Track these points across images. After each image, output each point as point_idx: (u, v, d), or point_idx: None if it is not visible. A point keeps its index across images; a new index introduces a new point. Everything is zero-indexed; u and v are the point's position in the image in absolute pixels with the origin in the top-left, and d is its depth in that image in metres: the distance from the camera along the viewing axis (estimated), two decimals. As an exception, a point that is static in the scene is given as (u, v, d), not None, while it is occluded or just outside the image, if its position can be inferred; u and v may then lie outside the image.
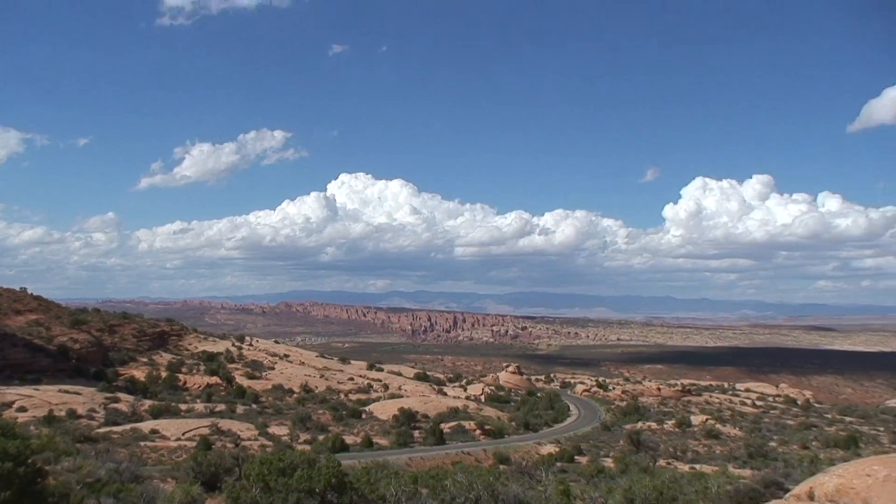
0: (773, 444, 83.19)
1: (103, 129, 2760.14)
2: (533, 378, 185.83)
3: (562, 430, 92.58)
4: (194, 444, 53.25)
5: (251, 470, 21.15)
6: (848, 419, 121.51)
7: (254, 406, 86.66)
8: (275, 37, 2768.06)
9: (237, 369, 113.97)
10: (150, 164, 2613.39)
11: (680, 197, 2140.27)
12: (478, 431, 79.37)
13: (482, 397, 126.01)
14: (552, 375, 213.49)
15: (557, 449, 67.99)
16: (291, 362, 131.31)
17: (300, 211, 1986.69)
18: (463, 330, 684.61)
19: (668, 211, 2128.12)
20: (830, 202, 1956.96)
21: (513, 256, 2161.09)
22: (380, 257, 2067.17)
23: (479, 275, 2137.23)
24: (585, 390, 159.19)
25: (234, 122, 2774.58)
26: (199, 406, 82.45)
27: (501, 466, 50.66)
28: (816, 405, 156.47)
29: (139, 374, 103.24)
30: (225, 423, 64.69)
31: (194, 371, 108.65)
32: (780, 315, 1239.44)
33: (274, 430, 66.62)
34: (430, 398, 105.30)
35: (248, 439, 59.61)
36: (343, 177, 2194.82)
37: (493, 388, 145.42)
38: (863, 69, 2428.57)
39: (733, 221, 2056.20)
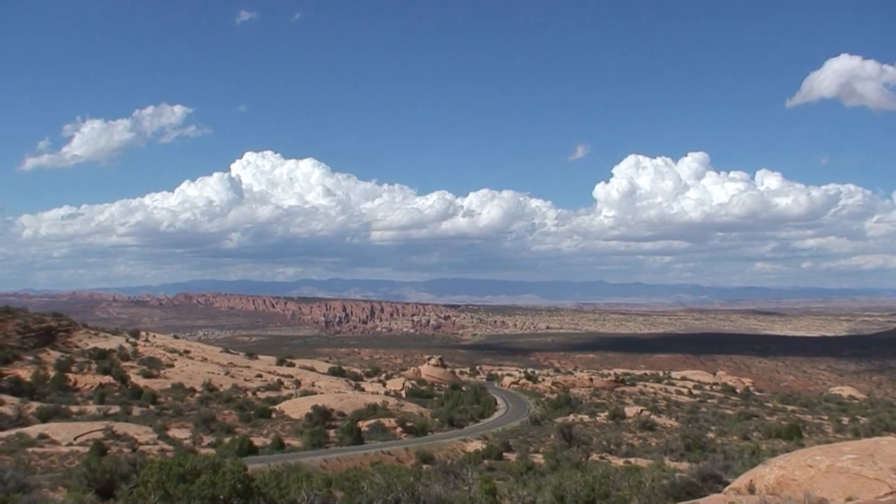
0: (711, 435, 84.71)
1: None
2: (457, 371, 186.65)
3: (489, 425, 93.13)
4: (87, 449, 52.20)
5: (149, 476, 20.82)
6: (790, 408, 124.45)
7: (151, 407, 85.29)
8: (176, 2, 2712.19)
9: (132, 367, 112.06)
10: (36, 142, 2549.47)
11: (612, 176, 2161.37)
12: (398, 429, 79.33)
13: (402, 392, 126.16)
14: (477, 367, 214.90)
15: (484, 445, 68.36)
16: (192, 359, 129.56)
17: (201, 193, 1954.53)
18: (381, 320, 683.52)
19: (600, 191, 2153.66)
20: (769, 180, 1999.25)
21: (434, 240, 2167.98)
22: (290, 243, 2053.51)
23: (398, 261, 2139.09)
24: (513, 382, 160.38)
25: (129, 97, 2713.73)
26: (92, 408, 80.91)
27: (424, 466, 50.78)
28: (756, 393, 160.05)
29: (24, 373, 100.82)
30: (120, 427, 63.49)
31: (85, 370, 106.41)
32: (716, 299, 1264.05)
33: (174, 433, 65.67)
34: (347, 394, 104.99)
35: (146, 443, 58.55)
36: (248, 156, 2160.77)
37: (414, 382, 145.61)
38: (804, 40, 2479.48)
39: (668, 201, 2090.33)
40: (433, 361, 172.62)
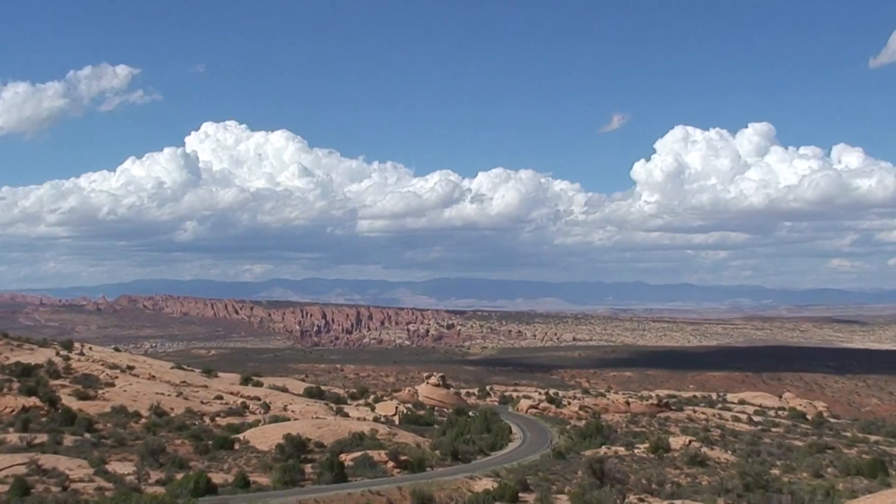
0: (775, 471, 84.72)
1: None
2: (463, 392, 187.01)
3: (501, 458, 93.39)
4: (7, 487, 52.93)
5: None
6: (873, 438, 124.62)
7: (87, 436, 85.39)
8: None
9: (64, 387, 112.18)
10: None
11: (654, 152, 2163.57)
12: (390, 463, 79.37)
13: (395, 418, 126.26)
14: (488, 388, 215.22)
15: (496, 484, 68.29)
16: (138, 376, 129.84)
17: (150, 173, 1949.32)
18: (369, 330, 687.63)
19: (639, 170, 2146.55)
20: (848, 157, 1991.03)
21: (435, 232, 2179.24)
22: (258, 235, 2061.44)
23: (390, 256, 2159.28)
24: (532, 406, 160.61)
25: (61, 55, 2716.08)
26: (13, 436, 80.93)
27: (422, 509, 50.72)
28: (832, 420, 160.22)
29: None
30: (48, 460, 63.88)
31: (5, 390, 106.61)
32: (782, 304, 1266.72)
33: (115, 467, 65.96)
34: (327, 421, 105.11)
35: (80, 480, 59.10)
36: (207, 127, 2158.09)
37: (409, 405, 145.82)
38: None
39: (723, 183, 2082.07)
40: (433, 380, 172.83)
